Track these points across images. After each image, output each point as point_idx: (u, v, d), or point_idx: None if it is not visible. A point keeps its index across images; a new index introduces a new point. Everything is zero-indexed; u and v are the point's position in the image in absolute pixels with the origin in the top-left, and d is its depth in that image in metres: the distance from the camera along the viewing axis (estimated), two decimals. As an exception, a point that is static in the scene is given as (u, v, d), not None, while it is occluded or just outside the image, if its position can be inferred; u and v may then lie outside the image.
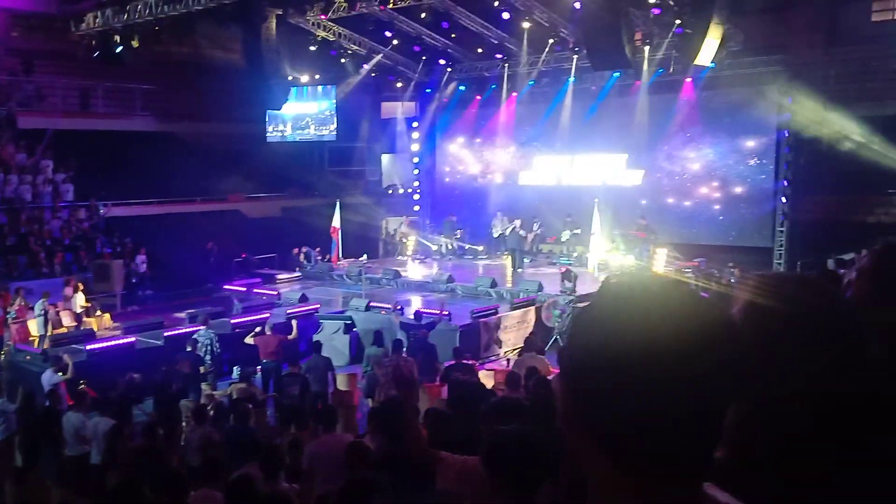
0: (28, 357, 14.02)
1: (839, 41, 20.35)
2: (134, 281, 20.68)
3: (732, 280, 17.63)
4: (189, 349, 12.64)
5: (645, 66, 20.43)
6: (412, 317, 15.04)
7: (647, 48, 19.83)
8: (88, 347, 13.84)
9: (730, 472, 1.16)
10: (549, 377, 9.90)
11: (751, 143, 20.84)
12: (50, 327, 16.01)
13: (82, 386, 10.87)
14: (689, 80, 20.59)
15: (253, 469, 5.76)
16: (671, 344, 0.89)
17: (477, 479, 2.88)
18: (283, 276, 21.73)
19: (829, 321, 1.31)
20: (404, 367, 10.78)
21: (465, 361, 11.23)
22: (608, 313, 0.94)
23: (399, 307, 15.89)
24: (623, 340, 0.90)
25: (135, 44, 19.03)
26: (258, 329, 13.60)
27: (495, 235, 23.20)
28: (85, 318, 16.99)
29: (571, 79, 22.35)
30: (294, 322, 14.38)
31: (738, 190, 21.14)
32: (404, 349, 11.68)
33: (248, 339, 13.36)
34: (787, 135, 20.08)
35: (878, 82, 19.74)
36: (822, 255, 16.97)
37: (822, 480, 1.25)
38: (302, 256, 22.98)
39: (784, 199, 20.27)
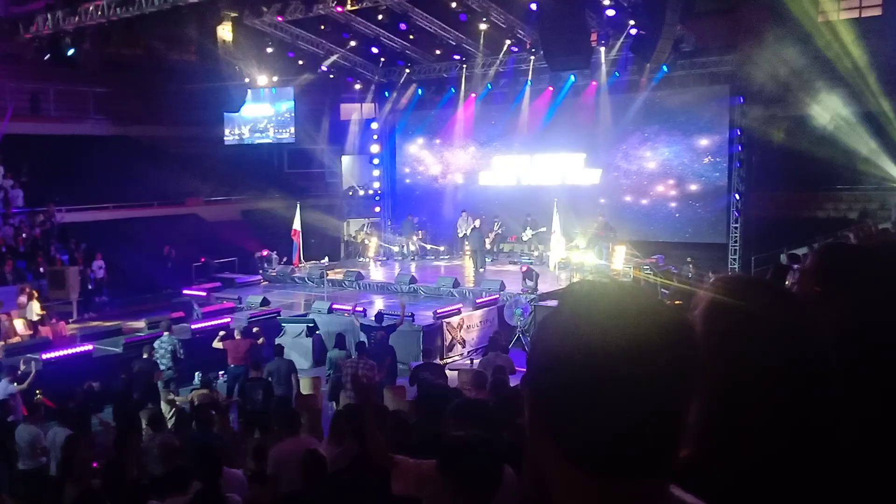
0: (-19, 368, 13.68)
1: (788, 39, 20.81)
2: (90, 288, 20.28)
3: (689, 275, 17.95)
4: (145, 356, 12.47)
5: (603, 67, 20.73)
6: (374, 318, 15.01)
7: (602, 49, 20.10)
8: (44, 356, 13.56)
9: (695, 470, 1.21)
10: (513, 375, 10.03)
11: (704, 142, 21.25)
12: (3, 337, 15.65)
13: (38, 396, 10.67)
14: (643, 80, 20.94)
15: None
16: (633, 347, 0.91)
17: (433, 483, 2.93)
18: (268, 276, 21.53)
19: (783, 319, 1.37)
20: (362, 374, 10.80)
21: (434, 361, 11.27)
22: (571, 319, 0.96)
23: (361, 309, 15.88)
24: (587, 345, 0.92)
25: (86, 46, 18.68)
26: (222, 333, 13.44)
27: (460, 235, 23.29)
28: (40, 327, 16.64)
29: (529, 80, 22.56)
30: (256, 329, 14.16)
31: (694, 188, 21.54)
32: (368, 352, 11.66)
33: (216, 343, 13.20)
34: (739, 133, 20.51)
35: (825, 80, 20.24)
36: (776, 250, 17.40)
37: (781, 470, 1.31)
38: (262, 260, 22.78)
39: (737, 196, 20.70)
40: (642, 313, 0.95)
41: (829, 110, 18.96)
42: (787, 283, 4.05)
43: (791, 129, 19.04)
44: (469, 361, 14.42)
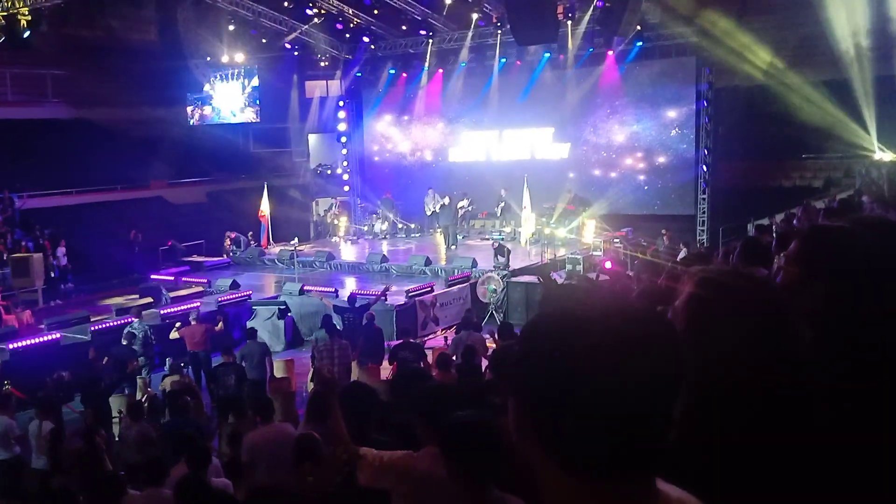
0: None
1: (752, 10, 20.94)
2: (54, 275, 19.89)
3: (662, 247, 18.10)
4: (125, 342, 12.29)
5: (569, 41, 20.66)
6: (346, 300, 14.92)
7: (569, 22, 20.02)
8: (11, 346, 13.32)
9: (677, 459, 1.21)
10: (488, 353, 10.06)
11: (672, 114, 21.33)
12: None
13: (7, 386, 10.48)
14: (611, 53, 20.92)
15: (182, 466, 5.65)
16: (622, 354, 0.93)
17: (407, 474, 2.93)
18: (238, 258, 21.21)
19: (765, 312, 1.39)
20: (337, 355, 10.76)
21: (412, 340, 11.25)
22: (559, 329, 0.97)
23: (333, 290, 15.80)
24: (577, 354, 0.93)
25: (43, 28, 18.20)
26: (179, 324, 13.23)
27: (427, 213, 23.21)
28: (4, 316, 16.31)
29: (496, 54, 22.46)
30: (220, 319, 13.89)
31: (662, 160, 21.64)
32: (341, 333, 11.59)
33: (174, 334, 13.04)
34: (705, 104, 20.62)
35: (789, 50, 20.43)
36: (743, 219, 17.61)
37: (762, 458, 1.33)
38: (228, 242, 22.51)
39: (705, 168, 20.85)
40: (627, 318, 0.97)
41: (794, 78, 19.10)
42: (768, 256, 4.08)
43: (757, 98, 19.19)
44: (443, 340, 14.45)
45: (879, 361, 1.58)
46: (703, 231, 20.70)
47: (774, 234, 8.32)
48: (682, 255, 14.80)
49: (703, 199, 20.92)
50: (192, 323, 12.97)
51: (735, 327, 1.37)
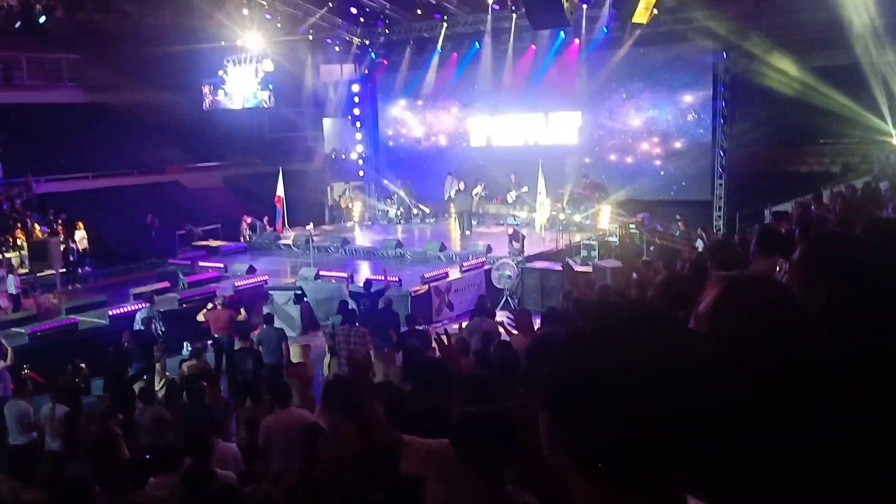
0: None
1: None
2: (72, 259, 20.03)
3: (678, 233, 18.00)
4: (143, 328, 12.39)
5: (584, 24, 20.48)
6: (362, 285, 14.96)
7: (585, 6, 19.82)
8: (29, 330, 13.47)
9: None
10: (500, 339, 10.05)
11: (689, 98, 21.09)
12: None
13: (26, 371, 10.59)
14: (627, 36, 20.68)
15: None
16: (654, 372, 0.94)
17: (443, 461, 2.91)
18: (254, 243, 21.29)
19: (791, 324, 1.40)
20: (353, 343, 10.79)
21: (418, 328, 11.29)
22: (600, 348, 0.98)
23: (348, 275, 15.84)
24: (616, 374, 0.94)
25: (58, 13, 18.25)
26: (210, 305, 13.34)
27: (446, 198, 23.16)
28: (23, 300, 16.49)
29: (512, 38, 22.29)
30: (242, 308, 13.94)
31: (678, 145, 21.43)
32: (356, 320, 11.63)
33: (200, 317, 13.14)
34: (722, 89, 20.38)
35: (806, 34, 20.18)
36: (759, 205, 17.47)
37: (768, 459, 1.34)
38: (245, 226, 22.62)
39: (721, 153, 20.64)
40: (674, 344, 0.98)
41: (810, 63, 18.87)
42: (786, 245, 4.06)
43: (773, 83, 18.97)
44: (457, 325, 14.44)
45: (881, 364, 1.58)
46: (719, 217, 20.52)
47: (794, 222, 8.26)
48: (699, 241, 14.74)
49: (720, 184, 20.71)
50: (219, 308, 13.06)
51: (759, 337, 1.38)
